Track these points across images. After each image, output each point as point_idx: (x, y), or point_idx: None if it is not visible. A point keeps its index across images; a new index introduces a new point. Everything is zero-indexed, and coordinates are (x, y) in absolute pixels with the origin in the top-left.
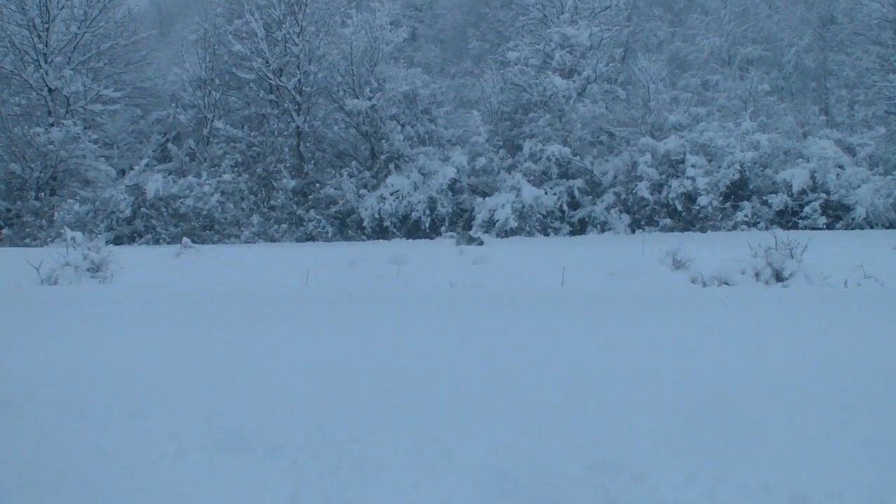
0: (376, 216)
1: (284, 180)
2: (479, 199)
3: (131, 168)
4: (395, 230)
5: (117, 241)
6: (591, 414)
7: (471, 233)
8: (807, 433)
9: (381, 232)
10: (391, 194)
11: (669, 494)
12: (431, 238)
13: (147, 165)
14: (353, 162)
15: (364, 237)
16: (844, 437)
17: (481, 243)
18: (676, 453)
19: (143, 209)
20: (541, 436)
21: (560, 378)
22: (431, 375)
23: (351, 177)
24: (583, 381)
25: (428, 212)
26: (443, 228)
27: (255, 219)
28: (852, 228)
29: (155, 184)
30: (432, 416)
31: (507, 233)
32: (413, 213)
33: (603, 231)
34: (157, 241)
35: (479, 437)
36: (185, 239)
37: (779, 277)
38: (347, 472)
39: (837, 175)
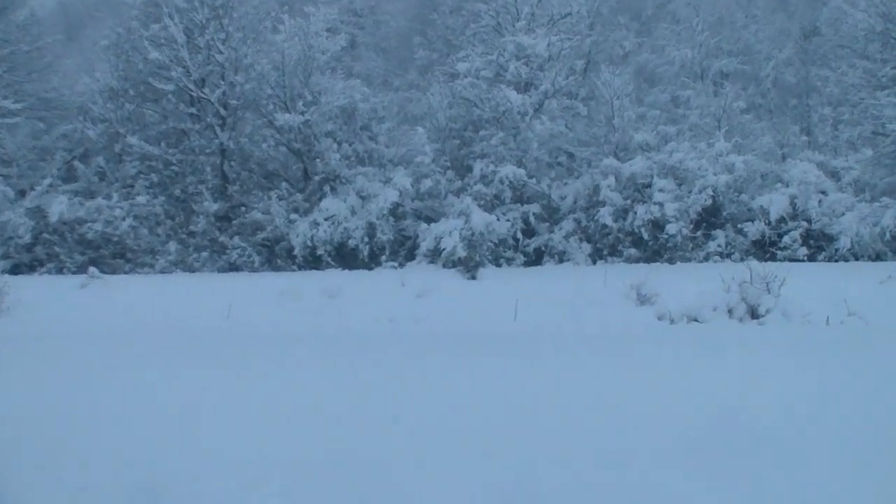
0: (309, 244)
1: (206, 203)
2: (424, 226)
3: (32, 189)
4: (329, 259)
5: (15, 269)
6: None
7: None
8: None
9: (313, 261)
10: (326, 219)
11: None
12: (370, 268)
13: (50, 186)
14: (284, 183)
15: (295, 267)
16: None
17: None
18: None
19: (44, 234)
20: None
21: (511, 428)
22: (369, 423)
23: (281, 200)
24: (537, 430)
25: (367, 239)
26: (383, 258)
27: (172, 246)
28: (836, 260)
29: (59, 206)
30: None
31: (454, 262)
32: (350, 241)
33: (561, 261)
34: (60, 271)
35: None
36: (91, 268)
37: (754, 314)
38: None
39: (820, 202)
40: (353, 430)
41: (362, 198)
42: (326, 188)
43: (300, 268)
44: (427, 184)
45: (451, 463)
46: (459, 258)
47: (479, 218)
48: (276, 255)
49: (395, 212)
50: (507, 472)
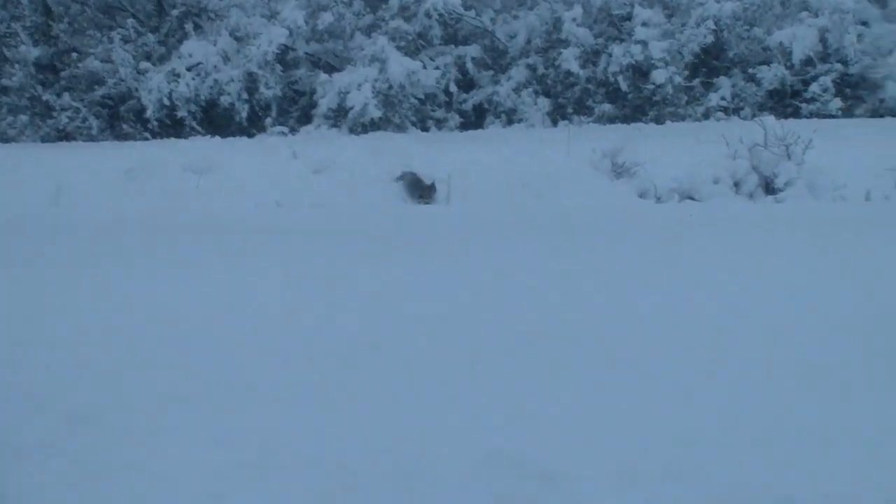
0: (166, 103)
1: (22, 48)
2: (324, 76)
3: None
4: (194, 124)
5: None
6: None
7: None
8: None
9: (172, 126)
10: (188, 70)
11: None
12: (251, 135)
13: None
14: (130, 20)
15: (147, 134)
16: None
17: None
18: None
19: None
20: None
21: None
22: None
23: (126, 43)
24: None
25: (245, 96)
26: (268, 121)
27: None
28: (881, 115)
29: None
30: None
31: (365, 126)
32: (222, 98)
33: (510, 122)
34: None
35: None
36: None
37: (769, 188)
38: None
39: (860, 36)
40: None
41: (238, 39)
42: (189, 26)
43: (155, 135)
44: (327, 18)
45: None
46: (372, 120)
47: (399, 65)
48: (120, 118)
49: (284, 58)
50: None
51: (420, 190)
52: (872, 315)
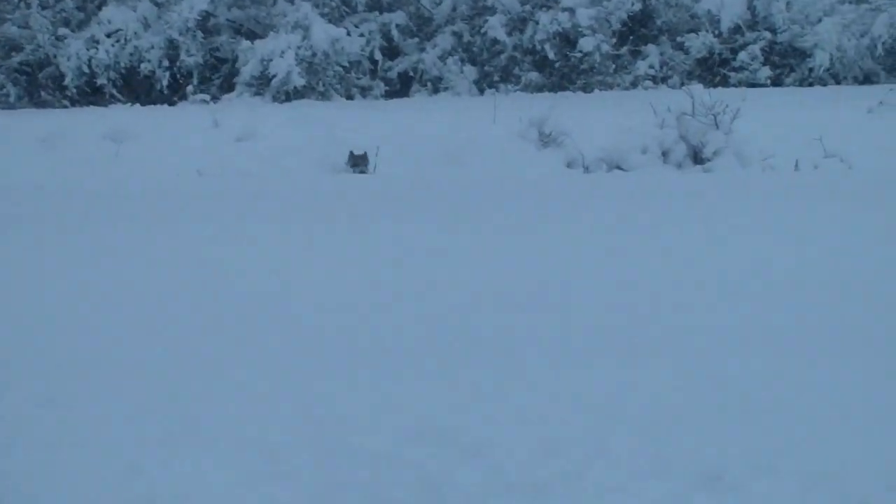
0: (85, 70)
1: None
2: (246, 44)
3: None
4: (114, 91)
5: None
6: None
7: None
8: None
9: (92, 94)
10: (108, 36)
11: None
12: (172, 103)
13: None
14: None
15: (66, 102)
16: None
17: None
18: None
19: None
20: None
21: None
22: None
23: (44, 9)
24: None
25: (166, 63)
26: (189, 88)
27: None
28: (809, 84)
29: None
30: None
31: (289, 94)
32: (143, 66)
33: (436, 91)
34: None
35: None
36: None
37: (697, 158)
38: None
39: (788, 4)
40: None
41: (158, 5)
42: None
43: (73, 103)
44: None
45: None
46: (296, 88)
47: (323, 32)
48: (38, 85)
49: (206, 24)
50: None
51: (354, 159)
52: (806, 282)
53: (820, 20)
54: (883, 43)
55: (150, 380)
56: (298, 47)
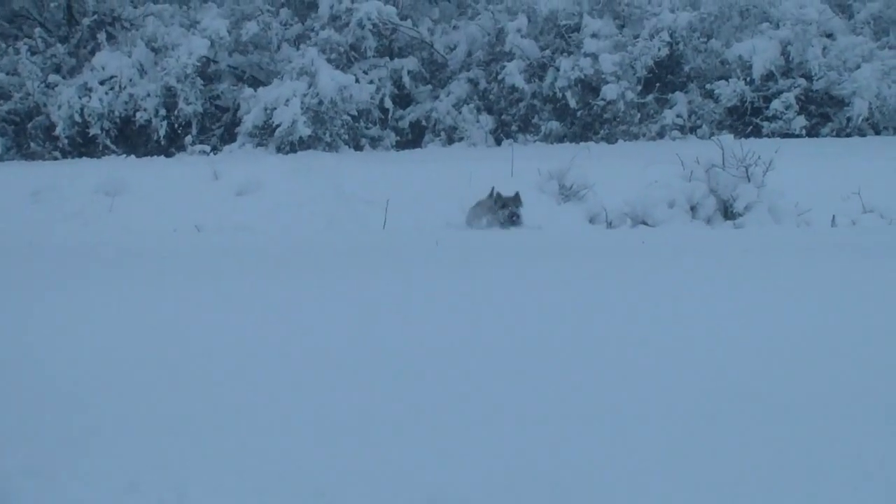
0: (77, 119)
1: None
2: (249, 91)
3: None
4: (108, 142)
5: None
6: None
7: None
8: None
9: (84, 145)
10: (101, 83)
11: None
12: (169, 154)
13: None
14: (38, 30)
15: (57, 153)
16: None
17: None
18: None
19: None
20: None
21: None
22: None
23: (34, 54)
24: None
25: (163, 111)
26: (188, 139)
27: None
28: (847, 135)
29: None
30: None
31: (294, 145)
32: (139, 115)
33: (451, 141)
34: None
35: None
36: None
37: (728, 213)
38: None
39: (824, 49)
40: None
41: (155, 50)
42: (101, 36)
43: (65, 154)
44: (252, 28)
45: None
46: (301, 138)
47: (330, 79)
48: (28, 135)
49: (205, 71)
50: None
51: (502, 200)
52: (840, 350)
53: (858, 66)
54: None
55: (140, 450)
56: (304, 95)
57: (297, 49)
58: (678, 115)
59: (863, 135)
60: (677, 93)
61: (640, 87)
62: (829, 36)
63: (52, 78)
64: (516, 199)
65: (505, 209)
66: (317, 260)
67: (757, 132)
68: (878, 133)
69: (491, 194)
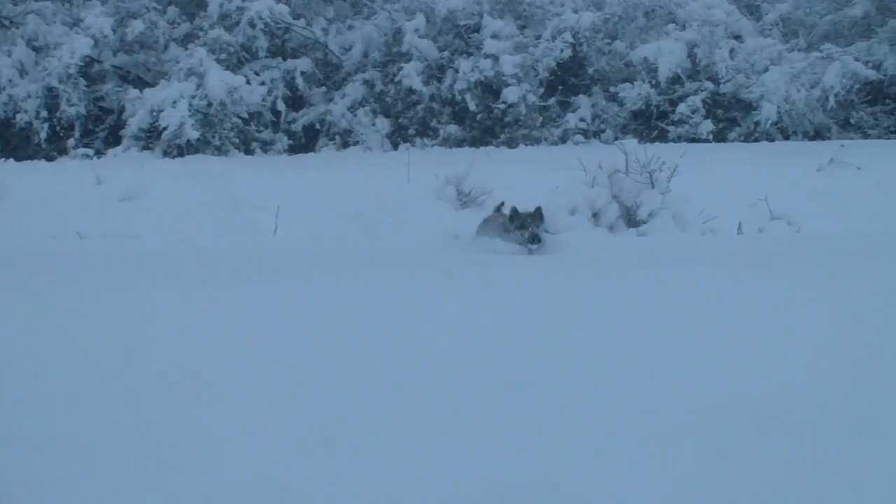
0: None
1: None
2: (135, 92)
3: None
4: None
5: None
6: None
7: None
8: None
9: None
10: None
11: None
12: (51, 158)
13: None
14: None
15: None
16: None
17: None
18: None
19: None
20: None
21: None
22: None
23: None
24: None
25: (45, 113)
26: (70, 142)
27: None
28: (755, 139)
29: None
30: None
31: (181, 149)
32: (18, 117)
33: (345, 145)
34: None
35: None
36: None
37: (631, 220)
38: None
39: (732, 51)
40: None
41: (36, 49)
42: None
43: None
44: (138, 27)
45: None
46: (189, 141)
47: (219, 80)
48: None
49: (89, 71)
50: None
51: (519, 219)
52: (762, 369)
53: (767, 69)
54: (835, 94)
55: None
56: (192, 96)
57: (186, 49)
58: (581, 119)
59: (771, 139)
60: (580, 96)
61: (542, 90)
62: (737, 38)
63: None
64: (537, 216)
65: (524, 229)
66: (205, 268)
67: (663, 137)
68: (786, 138)
69: (498, 208)
